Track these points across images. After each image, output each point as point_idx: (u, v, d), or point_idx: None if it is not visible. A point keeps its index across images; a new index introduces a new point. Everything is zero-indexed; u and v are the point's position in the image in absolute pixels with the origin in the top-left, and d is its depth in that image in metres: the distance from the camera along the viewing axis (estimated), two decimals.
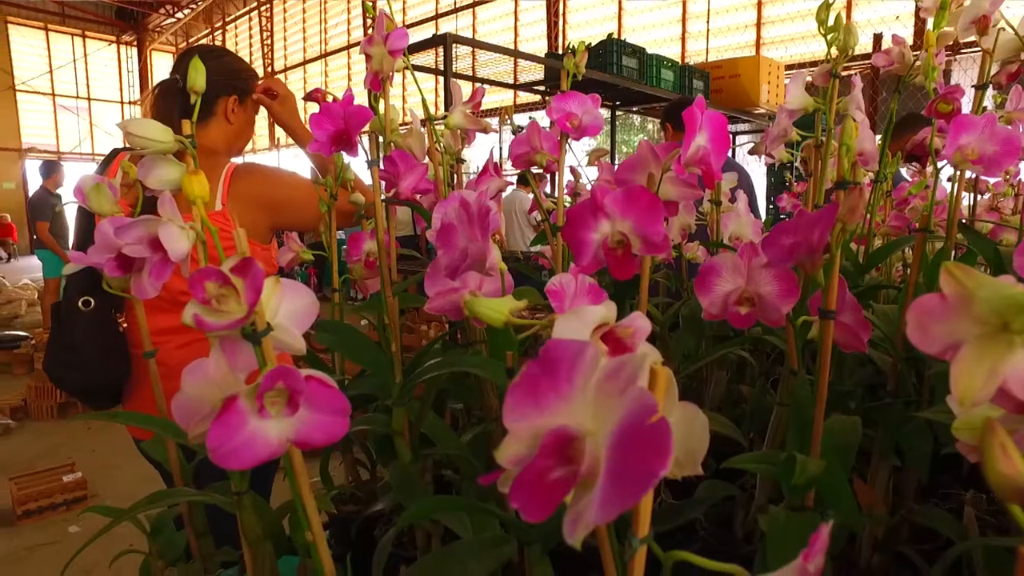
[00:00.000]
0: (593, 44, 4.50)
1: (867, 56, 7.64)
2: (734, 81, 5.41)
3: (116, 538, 0.60)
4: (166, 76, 1.27)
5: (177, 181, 0.46)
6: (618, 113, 5.95)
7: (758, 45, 8.92)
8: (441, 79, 5.01)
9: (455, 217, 0.41)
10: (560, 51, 9.54)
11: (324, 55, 15.24)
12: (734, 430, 0.58)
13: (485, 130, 0.81)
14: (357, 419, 0.71)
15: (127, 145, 0.76)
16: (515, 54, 3.92)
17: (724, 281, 0.51)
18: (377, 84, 0.71)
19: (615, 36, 4.70)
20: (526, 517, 0.21)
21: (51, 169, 5.37)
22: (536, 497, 0.21)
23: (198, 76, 0.47)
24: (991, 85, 0.70)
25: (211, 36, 18.68)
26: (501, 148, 5.17)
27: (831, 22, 0.73)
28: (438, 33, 3.44)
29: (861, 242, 0.95)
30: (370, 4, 0.76)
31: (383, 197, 0.73)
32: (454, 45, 3.17)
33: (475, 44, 3.65)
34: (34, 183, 10.72)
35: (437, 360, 0.68)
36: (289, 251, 0.86)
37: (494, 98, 10.17)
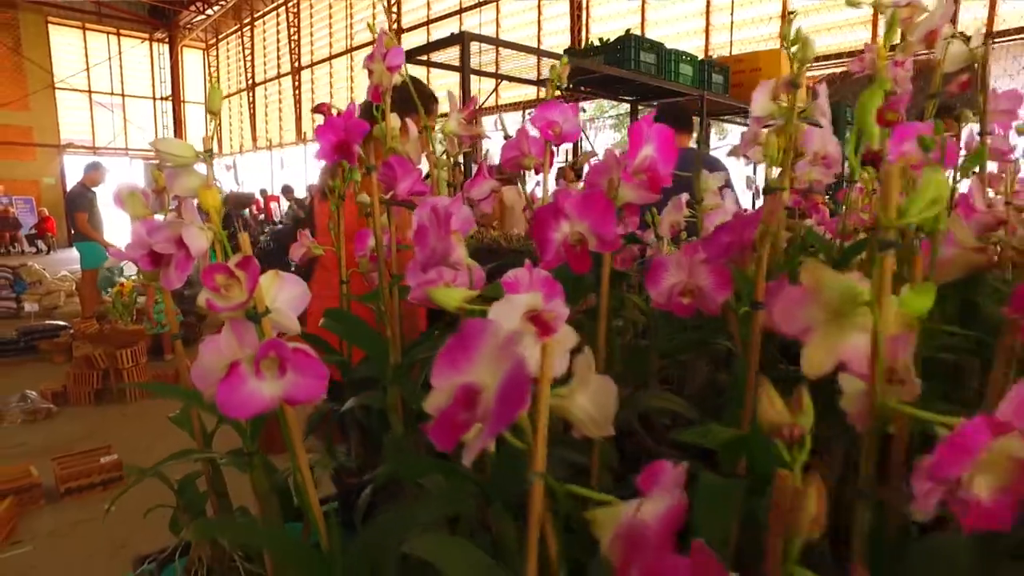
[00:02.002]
0: (611, 40, 4.54)
1: (893, 48, 7.50)
2: (755, 75, 5.39)
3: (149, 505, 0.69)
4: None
5: (196, 189, 0.55)
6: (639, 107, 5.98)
7: (783, 36, 8.82)
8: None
9: (426, 220, 0.49)
10: (582, 45, 9.53)
11: (350, 50, 15.42)
12: (687, 407, 0.65)
13: (479, 137, 0.89)
14: (360, 396, 0.80)
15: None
16: (532, 51, 3.98)
17: (670, 275, 0.58)
18: (378, 96, 0.79)
19: (635, 31, 4.74)
20: (438, 447, 0.29)
21: (94, 168, 5.67)
22: (446, 432, 0.29)
23: None
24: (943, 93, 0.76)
25: (240, 32, 19.02)
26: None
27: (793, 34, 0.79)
28: (461, 28, 3.51)
29: (846, 238, 1.01)
30: (371, 22, 0.84)
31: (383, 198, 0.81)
32: (472, 42, 3.25)
33: (493, 42, 3.73)
34: (72, 179, 11.08)
35: (429, 343, 0.77)
36: (301, 246, 0.95)
37: (517, 92, 10.23)
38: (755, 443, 0.51)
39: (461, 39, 3.20)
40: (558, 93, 0.84)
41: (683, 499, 0.30)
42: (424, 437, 0.80)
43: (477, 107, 0.96)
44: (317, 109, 0.79)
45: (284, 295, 0.43)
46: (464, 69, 3.18)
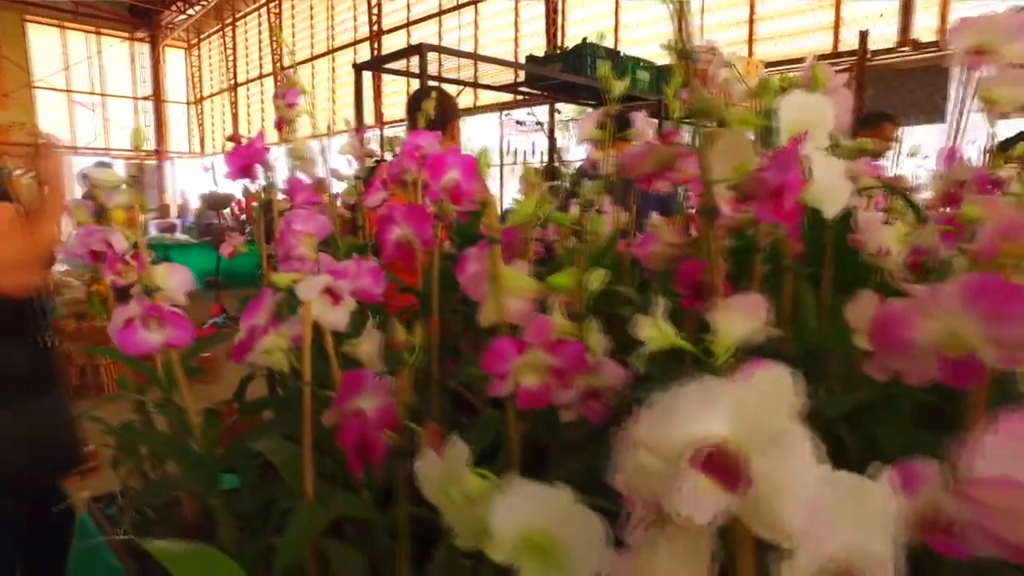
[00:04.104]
0: (570, 47, 4.76)
1: (853, 53, 7.77)
2: None
3: None
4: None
5: (124, 204, 0.75)
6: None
7: (751, 41, 9.11)
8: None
9: (283, 226, 0.69)
10: (558, 49, 9.75)
11: (331, 51, 15.55)
12: None
13: (367, 156, 1.09)
14: None
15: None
16: (484, 59, 4.20)
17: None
18: (282, 126, 1.00)
19: (608, 34, 4.94)
20: (236, 359, 0.49)
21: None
22: (241, 350, 0.50)
23: None
24: None
25: (221, 32, 19.06)
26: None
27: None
28: (440, 30, 3.70)
29: None
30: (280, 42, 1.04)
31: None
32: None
33: (449, 51, 3.93)
34: None
35: None
36: (229, 245, 1.15)
37: (493, 95, 10.45)
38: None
39: (419, 49, 3.40)
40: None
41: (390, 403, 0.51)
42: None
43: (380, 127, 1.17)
44: (231, 138, 0.99)
45: (174, 280, 0.64)
46: (423, 78, 3.38)
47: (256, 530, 0.65)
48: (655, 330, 0.39)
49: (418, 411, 0.45)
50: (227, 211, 10.54)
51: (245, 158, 0.90)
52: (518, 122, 9.21)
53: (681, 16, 0.45)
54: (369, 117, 12.55)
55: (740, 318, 0.41)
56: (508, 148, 8.39)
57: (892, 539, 0.23)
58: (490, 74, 6.71)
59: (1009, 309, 0.42)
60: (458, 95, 5.82)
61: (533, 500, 0.32)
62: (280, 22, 16.89)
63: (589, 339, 0.55)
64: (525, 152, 6.97)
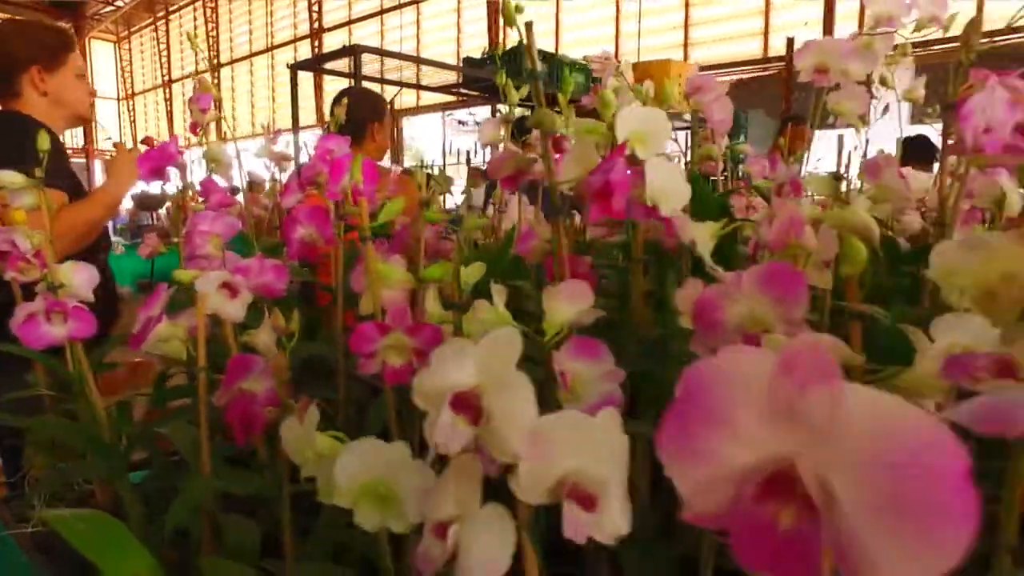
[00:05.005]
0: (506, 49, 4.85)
1: (782, 58, 8.13)
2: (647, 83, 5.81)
3: None
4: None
5: (31, 205, 0.78)
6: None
7: (686, 45, 9.43)
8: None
9: (190, 227, 0.74)
10: (501, 50, 9.83)
11: (271, 48, 15.23)
12: None
13: (283, 160, 1.14)
14: None
15: None
16: (418, 60, 4.25)
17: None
18: (195, 129, 1.03)
19: (549, 35, 5.05)
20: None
21: None
22: (141, 334, 0.54)
23: None
24: None
25: (154, 26, 18.37)
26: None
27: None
28: (383, 29, 3.71)
29: None
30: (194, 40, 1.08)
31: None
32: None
33: (382, 52, 3.97)
34: None
35: None
36: (147, 245, 1.17)
37: (436, 95, 10.47)
38: None
39: (353, 50, 3.42)
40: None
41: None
42: None
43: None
44: (144, 141, 1.02)
45: (78, 278, 0.68)
46: (356, 78, 3.41)
47: (163, 512, 0.69)
48: (491, 313, 0.46)
49: (305, 391, 0.51)
50: (162, 211, 10.20)
51: (156, 161, 0.93)
52: (460, 122, 9.27)
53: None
54: (310, 116, 12.36)
55: (567, 302, 0.48)
56: (451, 148, 8.43)
57: (616, 463, 0.30)
58: (430, 74, 6.76)
59: (793, 292, 0.51)
60: (396, 95, 5.85)
61: (374, 455, 0.39)
62: (216, 17, 16.42)
63: (465, 324, 0.61)
64: (468, 152, 7.02)
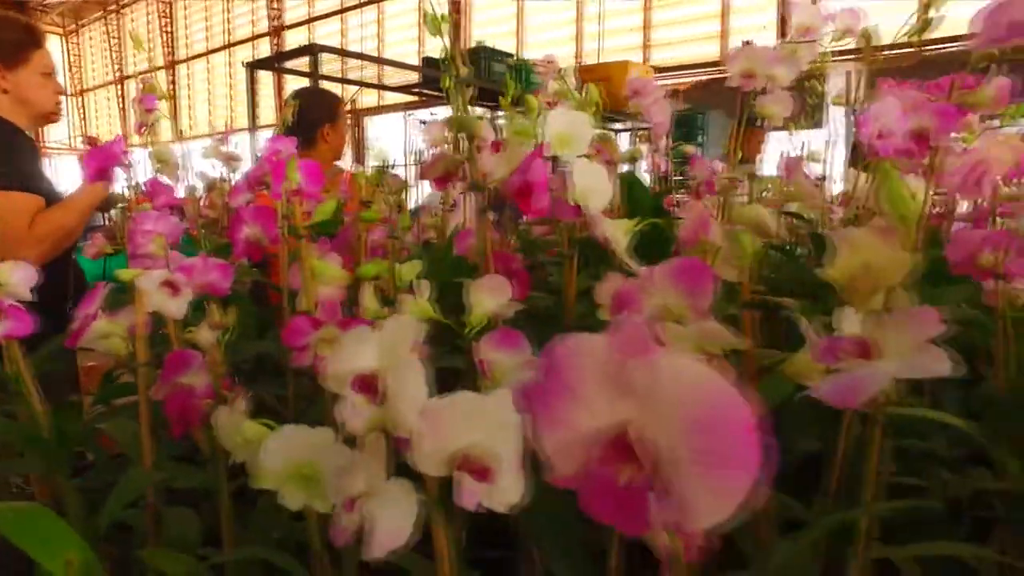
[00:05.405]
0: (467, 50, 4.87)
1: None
2: (605, 85, 5.89)
3: None
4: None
5: None
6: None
7: (645, 47, 9.57)
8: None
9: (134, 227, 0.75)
10: (465, 49, 9.81)
11: (228, 45, 14.92)
12: None
13: (232, 160, 1.15)
14: None
15: None
16: (375, 60, 4.24)
17: None
18: (140, 130, 1.04)
19: (511, 36, 5.08)
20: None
21: None
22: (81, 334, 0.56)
23: None
24: None
25: (104, 20, 17.80)
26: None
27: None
28: (344, 27, 3.68)
29: None
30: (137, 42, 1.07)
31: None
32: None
33: (341, 52, 3.95)
34: None
35: None
36: (93, 246, 1.16)
37: (399, 95, 10.41)
38: None
39: (311, 50, 3.40)
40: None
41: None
42: None
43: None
44: (88, 140, 1.01)
45: (16, 277, 0.68)
46: (314, 78, 3.38)
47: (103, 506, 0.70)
48: (415, 306, 0.49)
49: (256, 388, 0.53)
50: (115, 213, 9.91)
51: (100, 161, 0.93)
52: (421, 122, 9.23)
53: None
54: (269, 114, 12.16)
55: (489, 295, 0.51)
56: (412, 147, 8.39)
57: (509, 439, 0.33)
58: (391, 74, 6.73)
59: (700, 285, 0.55)
60: (355, 94, 5.81)
61: (298, 439, 0.42)
62: (172, 12, 16.01)
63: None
64: (431, 152, 6.99)
